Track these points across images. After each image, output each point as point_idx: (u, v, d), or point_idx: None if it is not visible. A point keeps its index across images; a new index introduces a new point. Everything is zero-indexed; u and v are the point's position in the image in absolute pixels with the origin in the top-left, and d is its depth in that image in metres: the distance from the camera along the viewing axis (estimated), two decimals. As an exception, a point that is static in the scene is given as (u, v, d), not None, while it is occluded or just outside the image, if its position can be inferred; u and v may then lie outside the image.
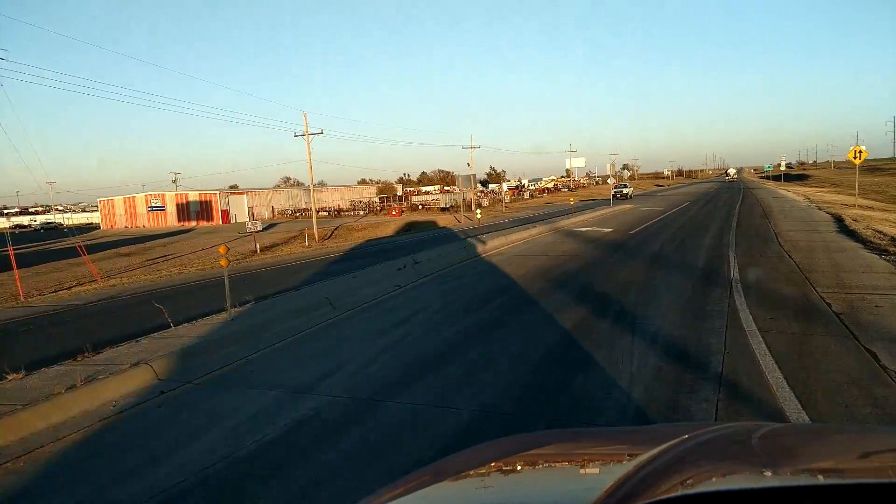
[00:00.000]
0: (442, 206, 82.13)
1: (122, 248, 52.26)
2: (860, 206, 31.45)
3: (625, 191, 60.60)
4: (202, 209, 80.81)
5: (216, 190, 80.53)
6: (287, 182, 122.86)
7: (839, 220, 21.96)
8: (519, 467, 1.64)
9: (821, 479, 1.25)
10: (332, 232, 54.20)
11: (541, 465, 1.70)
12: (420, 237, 35.26)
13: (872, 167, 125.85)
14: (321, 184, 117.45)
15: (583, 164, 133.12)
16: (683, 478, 1.22)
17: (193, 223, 79.77)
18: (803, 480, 1.24)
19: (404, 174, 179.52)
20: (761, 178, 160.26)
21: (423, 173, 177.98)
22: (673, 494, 1.08)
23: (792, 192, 53.60)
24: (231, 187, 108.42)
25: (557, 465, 1.72)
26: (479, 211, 38.07)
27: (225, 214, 79.92)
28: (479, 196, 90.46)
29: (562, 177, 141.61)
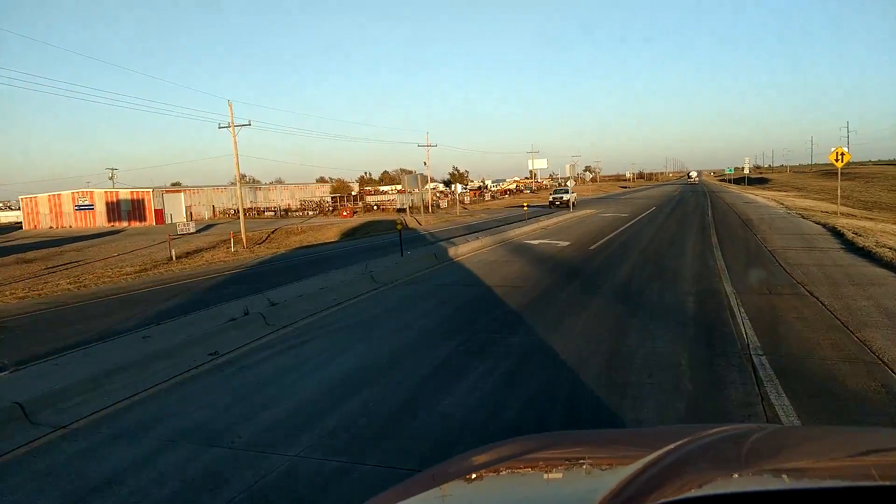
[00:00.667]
0: (398, 206, 77.90)
1: (31, 253, 46.06)
2: (843, 214, 28.23)
3: (565, 197, 45.07)
4: (134, 209, 74.46)
5: (149, 188, 74.19)
6: (242, 179, 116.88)
7: (838, 233, 18.34)
8: (522, 469, 1.65)
9: (824, 482, 1.24)
10: (268, 235, 49.14)
11: (544, 468, 1.68)
12: (358, 245, 30.71)
13: (828, 171, 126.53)
14: (279, 181, 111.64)
15: (545, 166, 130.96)
16: (687, 480, 1.23)
17: (125, 224, 73.48)
18: (807, 483, 1.25)
19: (365, 172, 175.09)
20: (721, 181, 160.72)
21: (385, 172, 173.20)
22: (677, 497, 1.08)
23: (760, 196, 50.88)
24: (173, 184, 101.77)
25: (561, 467, 1.70)
26: (421, 217, 33.62)
27: (159, 214, 73.71)
28: (438, 197, 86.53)
29: (525, 178, 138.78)
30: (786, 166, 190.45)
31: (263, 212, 78.28)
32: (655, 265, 13.68)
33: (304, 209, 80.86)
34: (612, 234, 20.71)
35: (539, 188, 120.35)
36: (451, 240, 20.35)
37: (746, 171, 74.91)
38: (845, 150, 28.10)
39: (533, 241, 19.40)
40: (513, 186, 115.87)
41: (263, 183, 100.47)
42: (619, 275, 12.47)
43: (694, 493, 1.12)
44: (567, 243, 18.57)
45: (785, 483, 1.25)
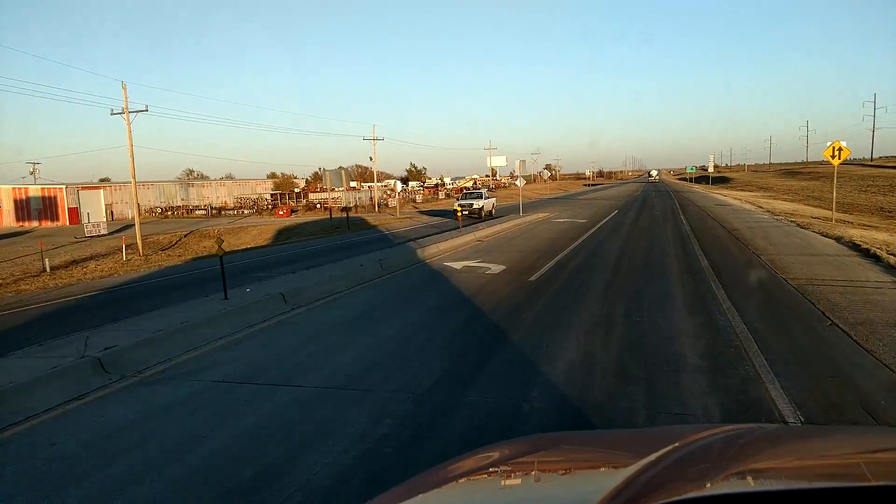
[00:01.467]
0: (343, 205, 71.87)
1: None
2: (839, 220, 23.66)
3: (476, 205, 32.89)
4: (45, 207, 66.44)
5: (63, 184, 66.31)
6: (190, 175, 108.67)
7: (864, 251, 13.45)
8: (523, 470, 1.65)
9: (824, 483, 1.25)
10: (179, 240, 42.48)
11: (543, 469, 1.67)
12: (279, 255, 24.68)
13: (787, 170, 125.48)
14: (229, 177, 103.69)
15: (505, 163, 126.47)
16: (686, 481, 1.23)
17: (35, 223, 65.53)
18: (807, 483, 1.24)
19: (320, 168, 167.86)
20: (682, 179, 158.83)
21: (341, 167, 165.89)
22: (676, 498, 1.08)
23: (731, 196, 46.66)
24: (102, 180, 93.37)
25: (562, 467, 1.71)
26: (372, 216, 27.88)
27: (74, 213, 65.78)
28: (389, 195, 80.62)
29: (486, 176, 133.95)
30: (744, 165, 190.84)
31: (193, 210, 71.00)
32: (631, 324, 8.21)
33: (241, 207, 74.06)
34: (565, 252, 15.39)
35: (498, 186, 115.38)
36: (347, 260, 14.73)
37: (711, 170, 71.17)
38: (843, 144, 23.52)
39: (456, 264, 13.90)
40: (469, 184, 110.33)
41: (212, 178, 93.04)
42: (570, 352, 6.96)
43: (693, 494, 1.12)
44: (501, 268, 13.10)
45: (784, 483, 1.26)
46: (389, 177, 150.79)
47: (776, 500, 1.13)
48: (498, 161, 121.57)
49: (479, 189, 39.78)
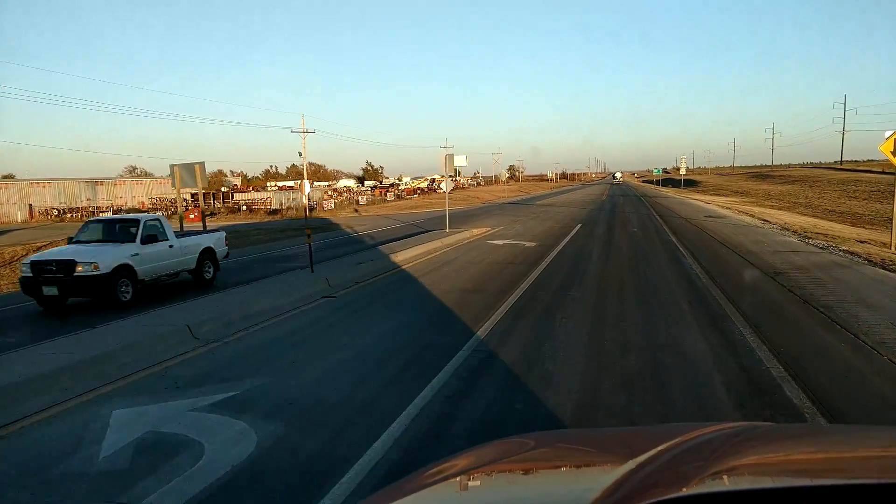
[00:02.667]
0: (273, 207, 63.06)
1: None
2: (879, 243, 16.08)
3: (82, 268, 10.59)
4: None
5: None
6: (133, 172, 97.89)
7: None
8: (517, 469, 1.63)
9: (819, 480, 1.23)
10: (27, 252, 32.79)
11: (538, 467, 1.66)
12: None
13: (755, 173, 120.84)
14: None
15: (465, 163, 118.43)
16: (681, 479, 1.21)
17: None
18: (801, 481, 1.23)
19: (271, 166, 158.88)
20: (646, 182, 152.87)
21: (293, 166, 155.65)
22: (670, 496, 1.07)
23: (716, 204, 39.30)
24: (5, 177, 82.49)
25: (556, 466, 1.68)
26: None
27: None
28: (330, 196, 71.89)
29: (450, 176, 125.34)
30: (706, 168, 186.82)
31: (96, 213, 60.89)
32: None
33: (157, 209, 64.59)
34: (491, 323, 7.31)
35: (457, 187, 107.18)
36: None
37: (683, 172, 64.21)
38: (910, 137, 16.01)
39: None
40: (424, 185, 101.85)
41: (157, 175, 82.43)
42: None
43: (688, 491, 1.10)
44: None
45: (779, 481, 1.24)
46: (349, 176, 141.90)
47: (772, 497, 1.11)
48: (458, 161, 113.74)
49: (147, 216, 13.28)
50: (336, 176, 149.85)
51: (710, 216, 28.40)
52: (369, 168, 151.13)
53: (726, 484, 1.19)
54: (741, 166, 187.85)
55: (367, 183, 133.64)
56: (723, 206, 36.35)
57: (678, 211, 32.98)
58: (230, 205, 66.16)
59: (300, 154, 50.81)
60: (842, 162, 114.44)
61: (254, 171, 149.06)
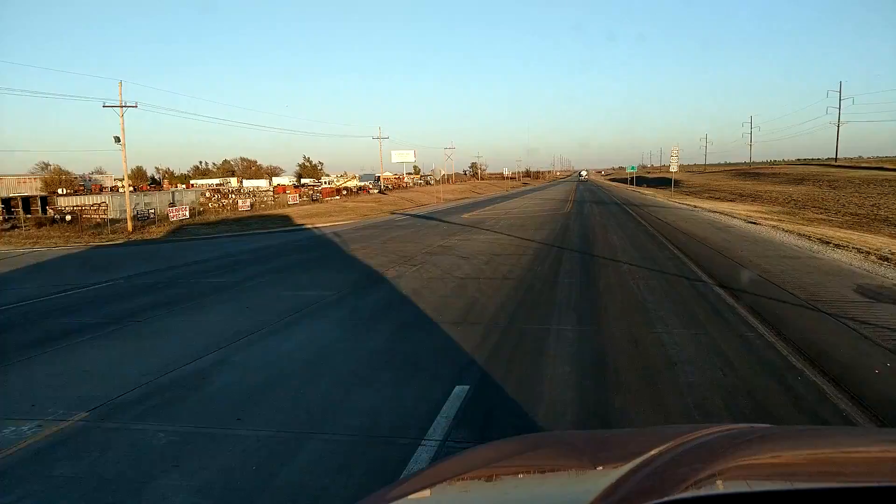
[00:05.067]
0: (108, 216, 45.71)
1: None
2: None
3: None
4: None
5: None
6: (100, 171, 79.91)
7: None
8: (515, 470, 1.62)
9: (817, 483, 1.23)
10: None
11: (537, 468, 1.65)
12: None
13: (742, 171, 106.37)
14: (98, 171, 74.37)
15: (412, 159, 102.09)
16: (680, 481, 1.21)
17: None
18: (799, 484, 1.22)
19: (200, 162, 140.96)
20: (614, 181, 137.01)
21: (226, 161, 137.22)
22: (669, 498, 1.06)
23: (743, 217, 22.85)
24: None
25: (554, 467, 1.67)
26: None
27: None
28: (210, 197, 54.60)
29: (395, 175, 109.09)
30: (679, 166, 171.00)
31: None
32: None
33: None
34: None
35: (398, 185, 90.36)
36: None
37: (674, 169, 48.45)
38: None
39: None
40: (352, 184, 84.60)
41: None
42: None
43: (687, 493, 1.10)
44: None
45: (778, 484, 1.24)
46: (206, 172, 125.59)
47: (770, 500, 1.11)
48: (404, 156, 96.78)
49: None
50: (276, 172, 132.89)
51: (750, 239, 12.02)
52: (307, 164, 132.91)
53: (724, 487, 1.19)
54: (714, 164, 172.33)
55: (304, 180, 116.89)
56: (732, 215, 20.01)
57: (669, 220, 16.73)
58: (51, 214, 48.15)
59: (116, 139, 33.59)
60: (836, 159, 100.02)
61: (183, 167, 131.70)
